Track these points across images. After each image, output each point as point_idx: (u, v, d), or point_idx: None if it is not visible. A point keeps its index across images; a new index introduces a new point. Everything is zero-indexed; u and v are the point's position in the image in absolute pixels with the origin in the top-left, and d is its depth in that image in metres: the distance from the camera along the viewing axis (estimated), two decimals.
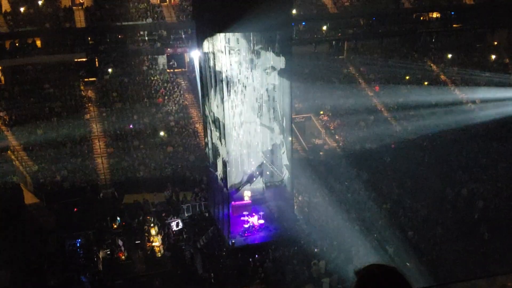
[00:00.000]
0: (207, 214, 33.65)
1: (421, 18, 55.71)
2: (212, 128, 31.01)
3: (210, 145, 32.06)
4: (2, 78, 46.33)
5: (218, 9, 27.35)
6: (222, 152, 29.39)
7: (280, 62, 28.61)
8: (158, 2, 50.21)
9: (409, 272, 25.12)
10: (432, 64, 54.70)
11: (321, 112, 47.47)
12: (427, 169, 39.05)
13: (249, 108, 28.94)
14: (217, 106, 29.07)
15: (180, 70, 49.51)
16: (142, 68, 48.90)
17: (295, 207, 32.58)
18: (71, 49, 45.74)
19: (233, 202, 29.79)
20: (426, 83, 51.91)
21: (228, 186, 29.41)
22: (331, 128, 46.27)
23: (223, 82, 27.74)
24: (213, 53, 28.38)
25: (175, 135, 43.12)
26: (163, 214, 33.68)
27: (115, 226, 32.68)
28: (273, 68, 28.67)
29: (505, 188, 35.48)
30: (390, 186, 36.41)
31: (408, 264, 26.97)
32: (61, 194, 36.34)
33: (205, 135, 33.32)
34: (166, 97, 46.45)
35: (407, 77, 51.88)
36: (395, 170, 38.96)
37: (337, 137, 45.27)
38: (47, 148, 40.37)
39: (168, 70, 49.12)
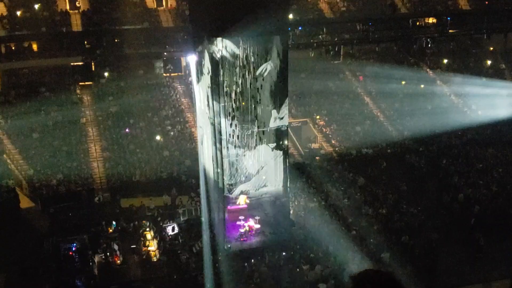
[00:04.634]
0: (203, 219, 33.57)
1: (417, 23, 55.78)
2: (208, 133, 30.98)
3: (206, 149, 32.02)
4: None
5: (215, 13, 27.37)
6: (218, 157, 29.34)
7: (276, 67, 28.61)
8: (155, 6, 50.24)
9: (405, 277, 25.15)
10: (428, 69, 54.84)
11: (318, 117, 47.54)
12: (423, 174, 39.12)
13: (245, 113, 28.92)
14: (213, 111, 29.03)
15: (176, 74, 49.44)
16: (139, 72, 48.87)
17: (291, 211, 32.55)
18: (67, 52, 45.62)
19: (229, 207, 29.75)
20: (422, 87, 52.02)
21: (224, 191, 29.37)
22: (327, 132, 46.31)
23: (220, 87, 27.73)
24: (210, 57, 28.36)
25: (171, 139, 43.09)
26: (159, 219, 33.60)
27: (111, 230, 32.55)
28: (270, 73, 28.66)
29: (501, 193, 35.53)
30: (386, 191, 36.43)
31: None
32: (56, 198, 36.22)
33: (201, 140, 33.27)
34: (162, 101, 46.43)
35: (403, 82, 51.97)
36: (391, 175, 38.99)
37: (333, 142, 45.31)
38: (42, 152, 40.26)
39: (164, 74, 49.07)
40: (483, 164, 40.31)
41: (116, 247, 30.26)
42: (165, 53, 47.71)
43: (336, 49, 52.88)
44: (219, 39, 27.27)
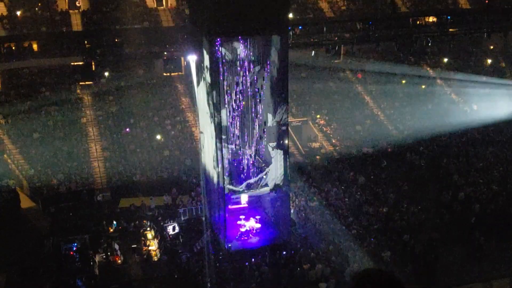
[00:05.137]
0: (203, 218, 33.59)
1: (417, 22, 55.76)
2: (208, 132, 30.99)
3: (206, 149, 32.03)
4: None
5: (215, 13, 27.38)
6: (219, 156, 29.35)
7: (276, 66, 28.61)
8: (155, 6, 50.23)
9: (405, 276, 25.19)
10: (428, 68, 54.85)
11: (318, 116, 47.56)
12: (423, 173, 39.12)
13: (246, 112, 28.94)
14: (214, 110, 29.04)
15: (176, 74, 49.47)
16: (139, 72, 48.86)
17: (292, 211, 32.56)
18: (67, 52, 45.60)
19: (229, 206, 29.76)
20: (422, 87, 52.04)
21: (225, 190, 29.38)
22: (328, 131, 46.32)
23: (220, 86, 27.74)
24: (210, 57, 28.37)
25: (172, 139, 43.11)
26: (159, 218, 33.61)
27: (111, 230, 32.58)
28: (270, 73, 28.67)
29: (501, 192, 35.51)
30: (387, 190, 36.43)
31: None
32: (57, 198, 36.25)
33: (201, 139, 33.29)
34: (162, 101, 46.42)
35: (404, 81, 52.00)
36: (391, 174, 39.00)
37: (333, 141, 45.34)
38: (43, 151, 40.28)
39: (164, 74, 49.07)
40: (483, 163, 40.28)
41: (117, 246, 30.28)
42: (165, 53, 47.70)
43: (337, 49, 52.89)
44: (219, 38, 27.28)
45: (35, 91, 45.34)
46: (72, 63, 46.42)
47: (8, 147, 40.42)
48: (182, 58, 48.29)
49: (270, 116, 29.46)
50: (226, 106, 28.28)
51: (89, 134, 43.21)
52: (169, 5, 50.55)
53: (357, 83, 52.07)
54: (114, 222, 33.02)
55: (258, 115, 29.20)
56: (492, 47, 57.75)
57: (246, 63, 28.21)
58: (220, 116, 28.22)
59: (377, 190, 36.33)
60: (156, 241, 31.04)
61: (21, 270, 28.67)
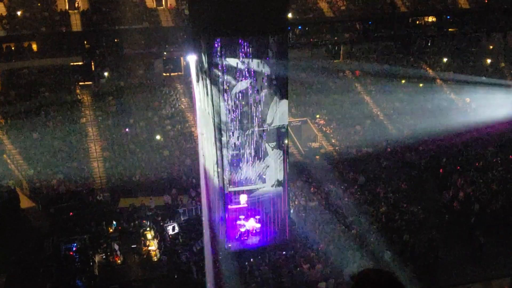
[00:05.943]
0: (203, 218, 33.57)
1: (417, 22, 55.77)
2: (208, 132, 30.98)
3: (206, 149, 32.03)
4: None
5: (215, 13, 27.38)
6: (218, 156, 29.36)
7: (276, 66, 28.60)
8: (154, 6, 50.22)
9: (405, 276, 25.19)
10: (427, 68, 54.87)
11: (318, 116, 47.56)
12: (423, 173, 39.12)
13: (246, 112, 28.93)
14: (213, 110, 29.03)
15: (176, 74, 49.49)
16: (138, 72, 48.85)
17: (291, 210, 32.57)
18: (67, 52, 45.62)
19: (229, 206, 29.76)
20: (421, 86, 52.06)
21: (225, 190, 29.38)
22: (327, 131, 46.32)
23: (219, 86, 27.74)
24: (209, 57, 28.35)
25: (172, 139, 43.10)
26: (159, 218, 33.62)
27: (111, 230, 32.57)
28: (269, 72, 28.65)
29: (501, 191, 35.52)
30: (386, 190, 36.44)
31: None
32: (57, 198, 36.23)
33: (201, 139, 33.27)
34: (162, 101, 46.42)
35: (403, 81, 52.02)
36: (391, 174, 38.99)
37: (333, 141, 45.33)
38: (43, 152, 40.27)
39: (164, 74, 49.07)
40: (483, 163, 40.27)
41: (116, 247, 30.27)
42: (164, 53, 47.73)
43: (336, 48, 52.90)
44: (218, 38, 27.27)
45: (34, 91, 45.30)
46: (72, 63, 46.46)
47: (8, 147, 40.41)
48: (182, 58, 48.33)
49: (269, 116, 29.45)
50: (226, 106, 28.26)
51: (88, 134, 43.19)
52: (168, 5, 50.53)
53: (356, 82, 52.07)
54: (114, 222, 33.02)
55: (258, 115, 29.18)
56: (491, 47, 57.75)
57: (245, 63, 28.19)
58: (220, 116, 28.22)
59: (377, 190, 36.33)
60: (156, 241, 31.04)
61: (21, 270, 28.67)
